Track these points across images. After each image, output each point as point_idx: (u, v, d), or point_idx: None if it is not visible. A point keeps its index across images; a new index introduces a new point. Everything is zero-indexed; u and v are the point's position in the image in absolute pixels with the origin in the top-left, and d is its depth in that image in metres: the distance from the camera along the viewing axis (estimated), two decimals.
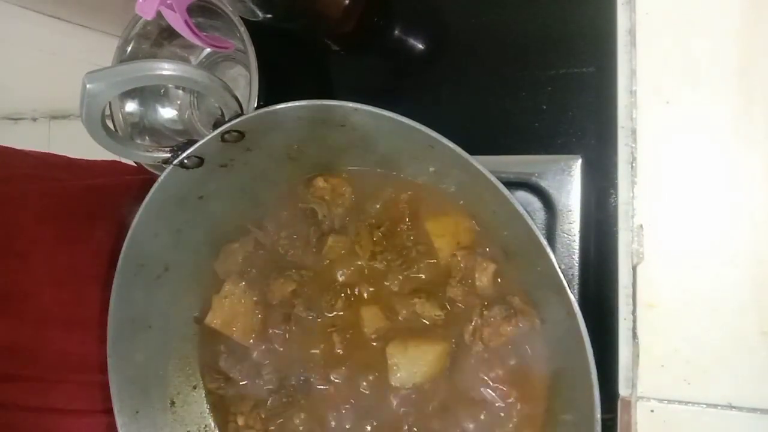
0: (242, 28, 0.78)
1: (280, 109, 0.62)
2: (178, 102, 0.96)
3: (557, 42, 0.77)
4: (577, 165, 0.69)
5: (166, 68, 0.59)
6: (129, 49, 0.87)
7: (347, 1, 0.79)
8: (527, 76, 0.78)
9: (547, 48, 0.77)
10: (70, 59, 1.01)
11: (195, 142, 0.66)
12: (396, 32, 0.87)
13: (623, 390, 0.58)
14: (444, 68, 0.85)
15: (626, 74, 0.60)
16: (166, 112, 0.95)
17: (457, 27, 0.84)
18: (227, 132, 0.65)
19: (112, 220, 0.81)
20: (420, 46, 0.88)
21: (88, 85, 0.57)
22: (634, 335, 0.58)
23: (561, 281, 0.56)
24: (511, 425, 0.66)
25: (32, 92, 1.12)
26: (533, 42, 0.78)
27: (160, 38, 0.89)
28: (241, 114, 0.64)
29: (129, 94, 0.91)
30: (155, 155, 0.65)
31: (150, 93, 0.93)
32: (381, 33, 0.87)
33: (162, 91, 0.95)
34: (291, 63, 0.90)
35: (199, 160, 0.67)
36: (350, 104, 0.61)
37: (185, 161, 0.66)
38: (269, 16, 0.77)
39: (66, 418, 0.78)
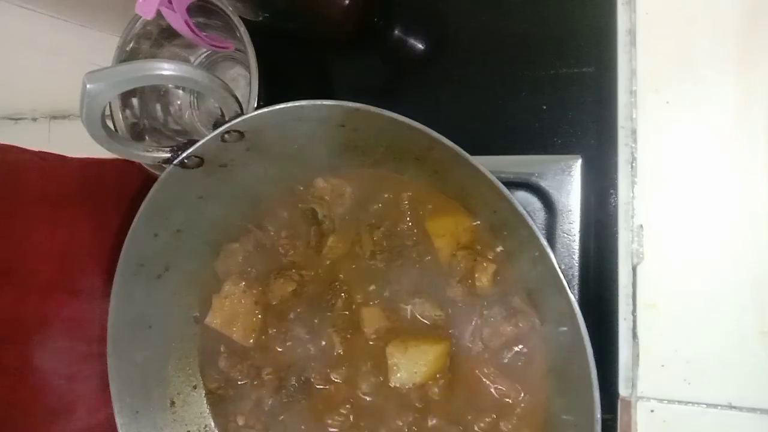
0: (242, 28, 0.78)
1: (280, 109, 0.62)
2: (178, 102, 0.96)
3: (557, 42, 0.77)
4: (577, 165, 0.69)
5: (166, 68, 0.59)
6: (129, 48, 0.86)
7: (347, 1, 0.79)
8: (527, 76, 0.78)
9: (547, 48, 0.77)
10: (70, 59, 1.01)
11: (195, 142, 0.65)
12: (396, 32, 0.87)
13: (623, 390, 0.58)
14: (444, 68, 0.85)
15: (626, 74, 0.60)
16: (166, 112, 0.95)
17: (457, 27, 0.84)
18: (227, 132, 0.65)
19: (111, 200, 0.82)
20: (420, 46, 0.88)
21: (88, 85, 0.57)
22: (634, 335, 0.58)
23: (561, 281, 0.56)
24: (511, 425, 0.65)
25: (32, 92, 1.12)
26: (533, 42, 0.78)
27: (160, 38, 0.88)
28: (241, 114, 0.64)
29: (129, 94, 0.90)
30: (155, 155, 0.65)
31: (150, 93, 0.93)
32: (381, 33, 0.87)
33: (162, 91, 0.94)
34: (291, 63, 0.90)
35: (199, 160, 0.67)
36: (350, 104, 0.61)
37: (185, 161, 0.66)
38: (269, 16, 0.77)
39: (68, 382, 0.78)
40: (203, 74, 0.61)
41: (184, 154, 0.65)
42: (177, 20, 0.75)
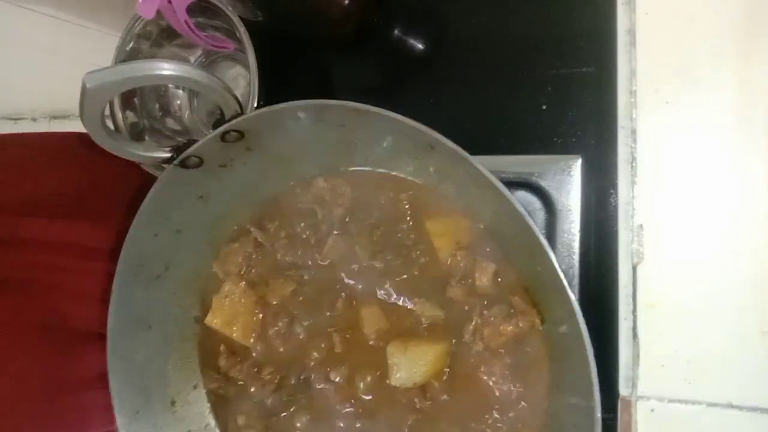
0: (242, 29, 0.78)
1: (280, 108, 0.63)
2: (178, 102, 0.96)
3: (557, 42, 0.76)
4: (577, 165, 0.69)
5: (166, 68, 0.59)
6: (129, 48, 0.86)
7: (347, 1, 0.79)
8: (527, 76, 0.78)
9: (547, 48, 0.77)
10: (70, 59, 1.01)
11: (195, 142, 0.66)
12: (396, 32, 0.87)
13: (623, 389, 0.58)
14: (444, 68, 0.85)
15: (626, 74, 0.60)
16: (166, 112, 0.95)
17: (456, 27, 0.84)
18: (227, 132, 0.65)
19: (110, 200, 0.83)
20: (420, 46, 0.88)
21: (87, 85, 0.57)
22: (635, 335, 0.58)
23: (561, 281, 0.56)
24: (510, 424, 0.65)
25: (32, 92, 1.12)
26: (533, 42, 0.78)
27: (160, 38, 0.88)
28: (241, 114, 0.64)
29: (129, 94, 0.90)
30: (156, 155, 0.65)
31: (150, 93, 0.93)
32: (381, 33, 0.87)
33: (162, 91, 0.94)
34: (291, 63, 0.90)
35: (199, 160, 0.67)
36: (351, 104, 0.61)
37: (185, 161, 0.66)
38: (268, 16, 0.77)
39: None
40: (203, 74, 0.61)
41: (184, 154, 0.66)
42: (177, 20, 0.75)
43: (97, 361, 0.76)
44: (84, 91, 0.57)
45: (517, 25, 0.80)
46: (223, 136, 0.65)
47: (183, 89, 0.96)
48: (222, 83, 0.62)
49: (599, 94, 0.73)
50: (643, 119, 0.59)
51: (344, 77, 0.91)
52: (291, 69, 0.90)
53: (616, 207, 0.62)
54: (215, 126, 0.65)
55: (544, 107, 0.77)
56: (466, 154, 0.58)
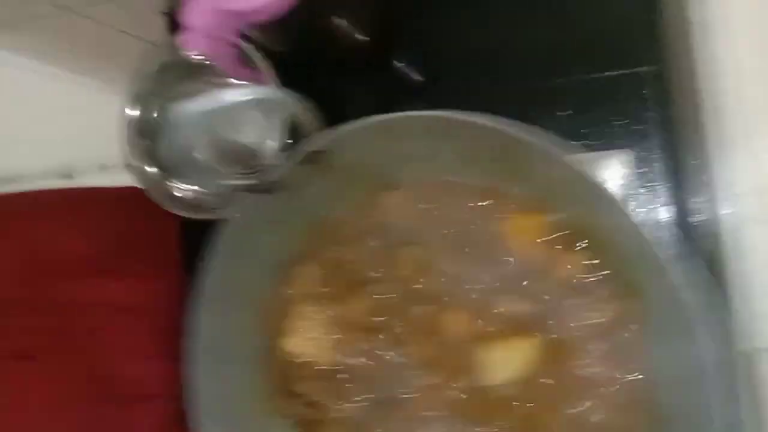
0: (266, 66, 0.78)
1: (369, 124, 0.66)
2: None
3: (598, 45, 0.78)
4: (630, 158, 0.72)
5: (245, 92, 0.61)
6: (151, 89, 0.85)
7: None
8: (558, 84, 0.78)
9: (587, 51, 0.78)
10: (68, 115, 1.00)
11: (274, 167, 0.66)
12: (402, 63, 0.87)
13: (742, 343, 0.60)
14: (454, 89, 0.84)
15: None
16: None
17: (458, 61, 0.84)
18: (307, 153, 0.66)
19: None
20: (419, 76, 0.87)
21: (173, 121, 0.58)
22: (746, 295, 0.60)
23: (659, 261, 0.58)
24: (610, 412, 0.66)
25: (39, 151, 1.09)
26: (560, 48, 0.79)
27: (178, 74, 0.87)
28: (321, 134, 0.65)
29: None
30: (242, 182, 0.66)
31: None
32: (391, 62, 0.87)
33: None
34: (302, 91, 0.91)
35: (276, 185, 0.68)
36: (425, 113, 0.63)
37: (269, 187, 0.66)
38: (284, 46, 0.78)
39: None
40: (281, 94, 0.63)
41: (264, 180, 0.66)
42: (221, 55, 0.75)
43: (151, 421, 0.74)
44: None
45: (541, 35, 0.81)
46: (302, 158, 0.66)
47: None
48: (303, 102, 0.63)
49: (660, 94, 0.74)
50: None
51: (356, 103, 0.92)
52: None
53: (710, 181, 0.64)
54: (293, 149, 0.66)
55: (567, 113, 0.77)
56: (553, 148, 0.60)
